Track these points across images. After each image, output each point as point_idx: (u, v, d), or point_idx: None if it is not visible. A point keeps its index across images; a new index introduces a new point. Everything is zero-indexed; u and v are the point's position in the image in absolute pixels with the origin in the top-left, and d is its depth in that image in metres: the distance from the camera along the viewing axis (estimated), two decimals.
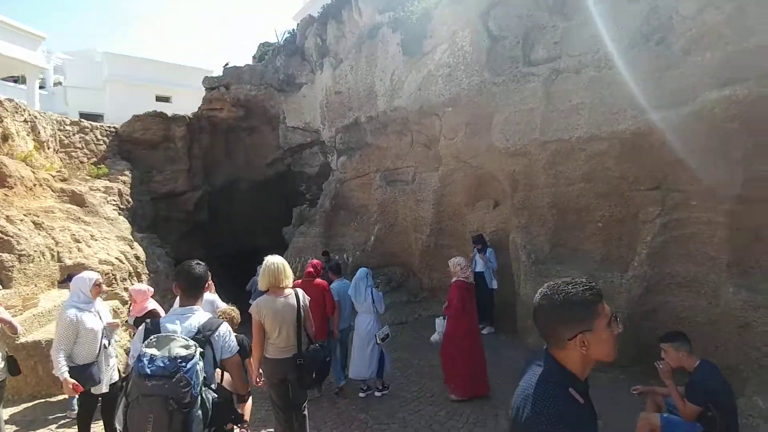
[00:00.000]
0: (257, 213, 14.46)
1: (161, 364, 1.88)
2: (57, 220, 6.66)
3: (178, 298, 2.35)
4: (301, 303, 3.32)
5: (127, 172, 11.39)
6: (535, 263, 5.97)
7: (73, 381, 3.23)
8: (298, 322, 3.26)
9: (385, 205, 8.77)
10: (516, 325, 6.61)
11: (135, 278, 7.45)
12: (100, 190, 9.98)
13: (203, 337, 2.14)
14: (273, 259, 3.32)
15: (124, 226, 9.07)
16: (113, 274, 6.60)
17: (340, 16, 10.34)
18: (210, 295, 4.56)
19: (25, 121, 8.24)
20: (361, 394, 4.98)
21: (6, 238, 5.29)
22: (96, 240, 7.15)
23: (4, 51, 13.41)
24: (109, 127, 12.04)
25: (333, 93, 10.62)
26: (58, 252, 6.19)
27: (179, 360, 1.90)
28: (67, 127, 10.52)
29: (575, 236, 5.88)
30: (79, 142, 10.90)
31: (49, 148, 9.14)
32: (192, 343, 2.01)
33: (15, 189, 6.10)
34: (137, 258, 8.23)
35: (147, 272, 8.37)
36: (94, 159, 11.39)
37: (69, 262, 6.25)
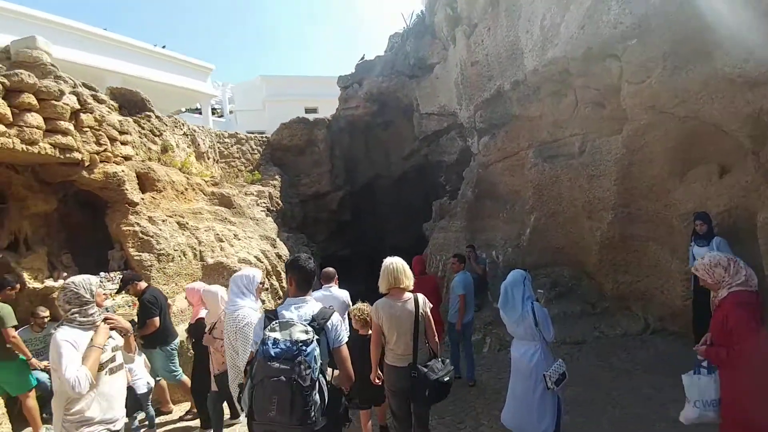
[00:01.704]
0: (398, 209, 13.94)
1: (284, 347, 1.99)
2: (203, 221, 6.89)
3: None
4: (421, 310, 3.09)
5: (277, 177, 12.02)
6: None
7: None
8: (416, 330, 3.06)
9: (543, 188, 6.81)
10: None
11: (274, 277, 7.32)
12: (252, 194, 10.62)
13: (317, 324, 2.21)
14: (392, 260, 3.19)
15: (270, 226, 9.27)
16: None
17: None
18: (339, 291, 4.46)
19: (185, 134, 9.09)
20: None
21: (146, 238, 5.49)
22: (239, 239, 7.23)
23: (180, 83, 15.94)
24: (262, 136, 12.99)
25: (468, 65, 9.10)
26: (200, 251, 6.31)
27: (300, 343, 2.00)
28: (226, 140, 11.59)
29: None
30: (237, 152, 11.93)
31: (209, 158, 10.02)
32: (310, 329, 2.11)
33: (164, 193, 6.46)
34: (279, 257, 8.17)
35: None
36: (250, 167, 12.36)
37: (210, 261, 6.32)
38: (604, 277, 6.13)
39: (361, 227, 14.13)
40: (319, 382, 2.05)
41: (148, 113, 8.21)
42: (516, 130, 8.02)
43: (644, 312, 5.87)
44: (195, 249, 6.25)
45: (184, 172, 8.09)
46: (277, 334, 2.04)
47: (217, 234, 6.82)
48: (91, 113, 5.41)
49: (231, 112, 23.54)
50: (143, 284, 4.56)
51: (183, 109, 19.90)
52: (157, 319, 4.27)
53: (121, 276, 5.34)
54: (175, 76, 17.28)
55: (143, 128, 7.95)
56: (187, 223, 6.40)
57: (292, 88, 20.48)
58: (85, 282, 2.31)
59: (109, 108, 7.31)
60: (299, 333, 2.05)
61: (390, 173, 13.76)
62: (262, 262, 6.94)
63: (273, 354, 1.96)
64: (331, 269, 4.79)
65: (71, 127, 5.04)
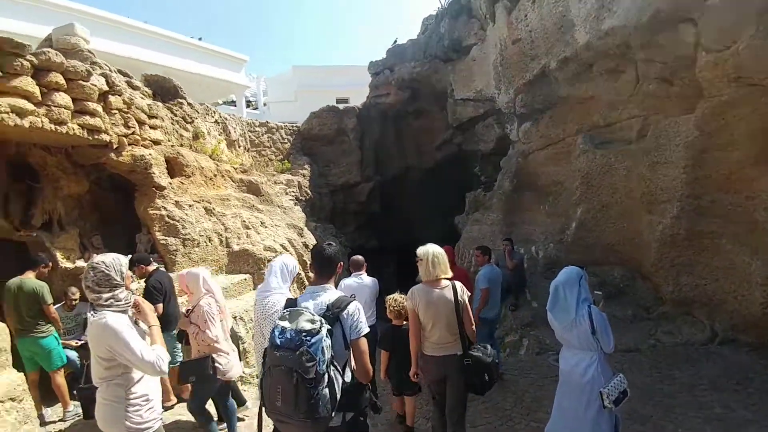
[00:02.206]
0: (429, 201, 13.46)
1: (289, 336, 1.92)
2: (231, 207, 6.72)
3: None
4: (459, 297, 2.99)
5: (306, 166, 11.82)
6: None
7: None
8: (458, 316, 2.95)
9: (592, 177, 6.17)
10: None
11: (300, 267, 7.07)
12: (282, 182, 10.46)
13: (332, 314, 2.10)
14: (428, 248, 3.07)
15: (299, 215, 9.06)
16: None
17: None
18: (369, 279, 4.57)
19: (216, 122, 8.99)
20: None
21: (172, 222, 5.34)
22: (266, 227, 7.03)
23: (215, 74, 16.01)
24: (293, 126, 12.81)
25: (509, 44, 8.46)
26: (226, 237, 6.14)
27: (303, 333, 1.92)
28: (257, 129, 11.47)
29: None
30: (267, 141, 11.80)
31: (240, 147, 9.91)
32: (318, 318, 2.01)
33: (192, 178, 6.33)
34: (306, 246, 7.94)
35: None
36: (281, 156, 12.22)
37: (236, 248, 6.14)
38: (662, 278, 5.45)
39: (390, 219, 13.77)
40: (330, 376, 1.92)
41: (180, 100, 8.14)
42: (562, 114, 7.37)
43: (710, 319, 5.17)
44: (221, 235, 6.07)
45: (213, 159, 7.98)
46: (285, 323, 1.98)
47: (244, 221, 6.64)
48: (119, 95, 5.29)
49: (265, 104, 23.69)
50: (151, 267, 4.36)
51: (220, 102, 20.14)
52: (160, 306, 4.06)
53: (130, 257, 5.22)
54: (210, 68, 17.44)
55: (175, 115, 7.88)
56: (214, 209, 6.24)
57: (324, 78, 20.29)
58: (116, 263, 2.14)
59: (143, 94, 7.27)
60: (305, 322, 1.96)
61: (421, 164, 13.29)
62: (288, 251, 6.71)
63: (278, 343, 1.91)
64: (359, 257, 4.86)
65: (99, 109, 4.92)
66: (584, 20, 6.36)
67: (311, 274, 5.54)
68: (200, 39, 16.95)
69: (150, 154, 5.40)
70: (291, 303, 2.19)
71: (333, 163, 13.02)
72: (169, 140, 7.20)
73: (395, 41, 12.45)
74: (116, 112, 5.19)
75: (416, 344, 3.02)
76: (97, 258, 2.13)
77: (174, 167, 6.36)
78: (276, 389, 1.87)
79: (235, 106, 18.97)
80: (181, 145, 7.55)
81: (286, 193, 9.93)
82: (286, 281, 3.09)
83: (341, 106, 13.19)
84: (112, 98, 5.16)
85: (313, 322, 1.96)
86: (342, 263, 2.42)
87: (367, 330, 2.18)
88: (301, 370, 1.82)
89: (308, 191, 11.14)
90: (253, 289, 5.92)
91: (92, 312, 2.05)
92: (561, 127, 7.38)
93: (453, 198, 11.71)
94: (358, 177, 12.94)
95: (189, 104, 8.26)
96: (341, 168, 12.97)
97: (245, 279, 5.79)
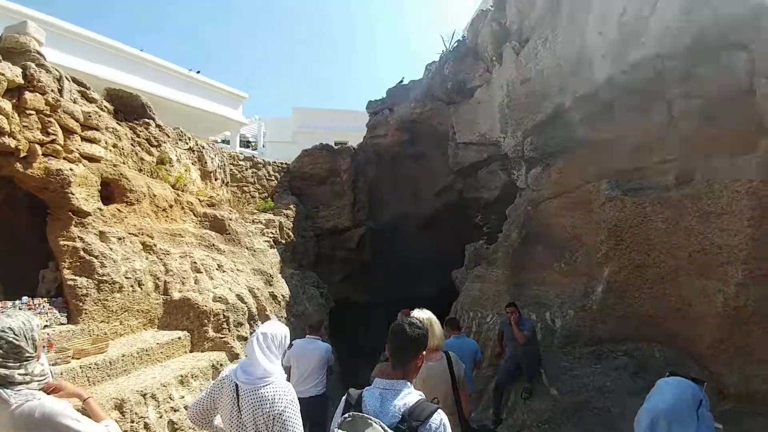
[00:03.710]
0: (426, 253, 12.23)
1: None
2: (181, 245, 5.53)
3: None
4: (455, 369, 2.79)
5: (292, 206, 10.78)
6: None
7: None
8: (455, 391, 2.71)
9: (623, 231, 5.04)
10: None
11: (259, 322, 5.72)
12: (260, 222, 9.35)
13: (407, 429, 1.60)
14: (419, 315, 2.88)
15: (272, 259, 7.84)
16: (224, 317, 4.92)
17: None
18: (322, 343, 4.30)
19: (190, 149, 8.06)
20: None
21: (88, 258, 4.13)
22: (223, 271, 5.78)
23: (212, 109, 15.47)
24: (281, 163, 11.95)
25: (518, 84, 7.74)
26: (165, 282, 4.88)
27: None
28: (240, 162, 10.58)
29: None
30: (252, 176, 10.86)
31: (216, 179, 8.90)
32: None
33: (136, 206, 5.21)
34: (273, 297, 6.65)
35: (285, 315, 6.68)
36: (266, 194, 11.22)
37: (176, 296, 4.86)
38: (723, 364, 4.13)
39: (381, 270, 12.47)
40: None
41: (147, 120, 7.24)
42: (579, 159, 6.40)
43: None
44: (158, 278, 4.83)
45: (176, 189, 6.92)
46: None
47: (195, 262, 5.41)
48: (42, 94, 4.29)
49: (264, 145, 23.27)
50: None
51: (218, 140, 19.57)
52: None
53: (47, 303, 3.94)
54: (207, 102, 17.05)
55: (138, 135, 6.93)
56: (155, 246, 5.04)
57: (323, 120, 19.97)
58: (26, 327, 1.69)
59: (101, 108, 6.38)
60: None
61: (418, 211, 12.24)
62: (245, 303, 5.41)
63: None
64: (319, 318, 4.81)
65: (4, 104, 3.89)
66: (605, 54, 5.57)
67: None
68: (198, 72, 16.65)
69: (70, 170, 4.30)
70: (353, 398, 1.73)
71: (322, 204, 11.99)
72: (124, 162, 6.19)
73: (401, 81, 11.88)
74: (33, 112, 4.16)
75: None
76: (1, 323, 1.64)
77: (114, 191, 5.26)
78: None
79: (229, 144, 18.35)
80: (140, 170, 6.51)
81: (263, 234, 8.76)
82: (278, 358, 2.28)
83: (334, 143, 12.39)
84: (29, 95, 4.15)
85: None
86: (424, 354, 1.86)
87: None
88: None
89: (290, 233, 9.99)
90: (188, 352, 4.57)
91: (6, 392, 1.57)
92: (578, 174, 6.38)
93: (452, 250, 10.51)
94: (349, 222, 11.85)
95: (158, 126, 7.35)
96: (331, 211, 11.93)
97: (179, 338, 4.44)
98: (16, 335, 1.63)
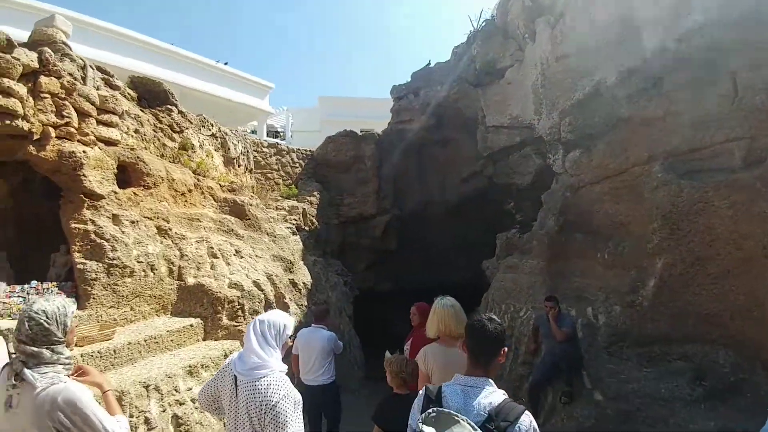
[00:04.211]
0: (454, 241, 11.79)
1: None
2: (199, 230, 5.39)
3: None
4: None
5: (316, 193, 10.58)
6: None
7: None
8: None
9: (679, 219, 4.44)
10: None
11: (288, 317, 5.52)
12: (284, 209, 9.20)
13: (495, 428, 1.54)
14: (444, 301, 2.92)
15: (294, 246, 7.64)
16: (239, 304, 4.73)
17: None
18: (325, 332, 4.24)
19: (213, 136, 7.94)
20: None
21: (99, 241, 4.00)
22: (241, 257, 5.61)
23: (239, 99, 15.45)
24: (305, 150, 11.75)
25: (553, 61, 7.12)
26: (180, 267, 4.73)
27: None
28: (264, 149, 10.44)
29: None
30: (276, 164, 10.71)
31: (240, 166, 8.78)
32: None
33: (153, 190, 5.09)
34: (294, 285, 6.45)
35: (304, 303, 6.47)
36: (290, 181, 11.07)
37: (191, 281, 4.71)
38: None
39: (407, 259, 12.13)
40: None
41: (170, 107, 7.16)
42: (624, 139, 5.79)
43: None
44: (173, 263, 4.68)
45: (198, 174, 6.81)
46: (430, 430, 1.44)
47: (212, 247, 5.25)
48: (57, 78, 4.17)
49: (292, 135, 23.32)
50: None
51: (248, 131, 19.74)
52: None
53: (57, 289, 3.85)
54: (235, 93, 17.11)
55: (160, 121, 6.86)
56: (170, 230, 4.89)
57: (349, 109, 19.67)
58: (59, 313, 1.69)
59: (125, 96, 6.36)
60: None
61: (445, 198, 11.77)
62: (261, 290, 5.21)
63: None
64: (324, 306, 4.65)
65: (19, 88, 3.78)
66: (656, 23, 4.97)
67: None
68: (226, 64, 16.68)
69: (83, 152, 4.18)
70: (434, 394, 1.66)
71: (346, 192, 11.72)
72: (145, 147, 6.11)
73: (428, 63, 11.35)
74: (48, 95, 4.06)
75: None
76: (36, 305, 1.68)
77: (131, 175, 5.15)
78: None
79: (256, 133, 18.41)
80: (162, 155, 6.43)
81: (286, 220, 8.59)
82: (276, 348, 2.13)
83: (360, 132, 12.05)
84: (44, 79, 4.04)
85: None
86: (506, 350, 1.81)
87: None
88: None
89: (314, 220, 9.79)
90: (201, 340, 4.40)
91: (32, 375, 1.56)
92: (623, 155, 5.77)
93: (481, 239, 10.02)
94: (374, 209, 11.53)
95: (180, 112, 7.26)
96: (356, 198, 11.64)
97: (191, 325, 4.28)
98: (47, 318, 1.66)
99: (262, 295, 5.21)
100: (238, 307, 4.72)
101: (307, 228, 9.40)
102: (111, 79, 5.95)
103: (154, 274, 4.37)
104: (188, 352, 3.96)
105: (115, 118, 5.25)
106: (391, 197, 12.02)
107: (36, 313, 1.66)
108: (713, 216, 4.16)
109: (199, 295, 4.59)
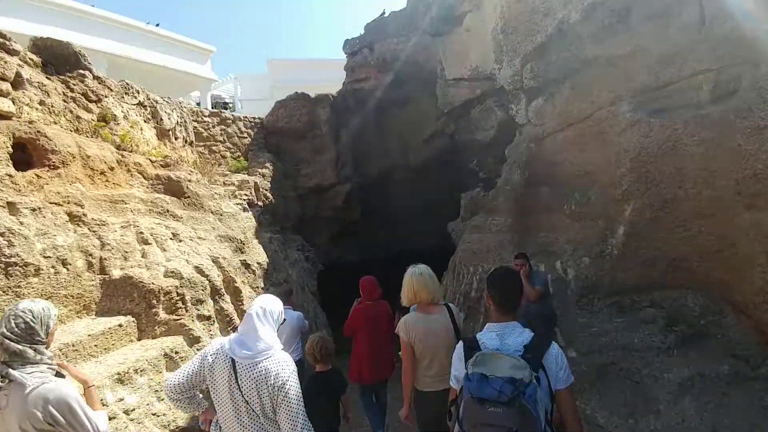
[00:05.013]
0: (420, 206, 11.44)
1: (497, 388, 1.55)
2: (124, 213, 4.66)
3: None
4: (458, 322, 2.85)
5: (268, 165, 9.80)
6: None
7: None
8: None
9: (647, 161, 4.19)
10: None
11: (228, 296, 4.98)
12: (233, 184, 8.43)
13: (533, 358, 1.70)
14: (414, 269, 2.95)
15: (246, 224, 7.00)
16: (179, 295, 4.15)
17: None
18: (293, 312, 4.39)
19: (141, 104, 6.96)
20: None
21: None
22: (180, 241, 4.95)
23: (176, 65, 13.98)
24: (253, 118, 10.81)
25: (513, 2, 6.61)
26: (101, 258, 4.05)
27: (517, 383, 1.54)
28: (206, 119, 9.47)
29: None
30: (220, 135, 9.79)
31: (177, 138, 7.86)
32: (524, 364, 1.63)
33: (62, 170, 4.30)
34: (246, 266, 5.89)
35: (260, 285, 5.95)
36: (238, 153, 10.19)
37: (116, 274, 4.04)
38: None
39: (372, 228, 11.75)
40: None
41: (82, 72, 6.13)
42: (589, 82, 5.45)
43: None
44: (92, 255, 3.99)
45: (122, 149, 5.94)
46: (483, 369, 1.61)
47: (142, 232, 4.57)
48: None
49: (242, 106, 21.76)
50: None
51: (193, 102, 18.13)
52: None
53: None
54: (170, 58, 15.48)
55: (72, 90, 5.86)
56: (85, 216, 4.16)
57: (302, 72, 18.41)
58: (44, 314, 1.79)
59: (26, 62, 5.34)
60: (511, 369, 1.59)
61: (408, 161, 11.32)
62: (206, 276, 4.63)
63: (485, 396, 1.53)
64: (287, 288, 4.90)
65: None
66: None
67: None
68: (157, 25, 14.97)
69: None
70: (472, 343, 1.85)
71: (303, 161, 10.99)
72: (54, 121, 5.19)
73: (382, 13, 10.47)
74: None
75: (409, 381, 2.78)
76: (23, 304, 1.76)
77: (33, 154, 4.31)
78: None
79: (199, 105, 16.97)
80: (77, 130, 5.52)
81: (235, 196, 7.87)
82: (274, 330, 2.22)
83: (312, 94, 11.20)
84: None
85: (521, 368, 1.59)
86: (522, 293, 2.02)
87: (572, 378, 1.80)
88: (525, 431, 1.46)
89: (268, 194, 9.09)
90: (136, 340, 3.83)
91: (21, 375, 1.62)
92: (588, 99, 5.46)
93: (447, 200, 9.71)
94: (333, 178, 10.92)
95: (96, 78, 6.26)
96: (313, 167, 10.95)
97: (119, 325, 3.67)
98: (33, 318, 1.74)
99: (207, 282, 4.62)
100: (178, 298, 4.14)
101: (260, 203, 8.71)
102: (7, 43, 4.95)
103: (67, 269, 3.69)
104: (117, 357, 3.39)
105: (6, 86, 4.35)
106: (351, 164, 11.42)
107: (22, 311, 1.73)
108: (683, 155, 3.93)
109: (129, 289, 3.95)
